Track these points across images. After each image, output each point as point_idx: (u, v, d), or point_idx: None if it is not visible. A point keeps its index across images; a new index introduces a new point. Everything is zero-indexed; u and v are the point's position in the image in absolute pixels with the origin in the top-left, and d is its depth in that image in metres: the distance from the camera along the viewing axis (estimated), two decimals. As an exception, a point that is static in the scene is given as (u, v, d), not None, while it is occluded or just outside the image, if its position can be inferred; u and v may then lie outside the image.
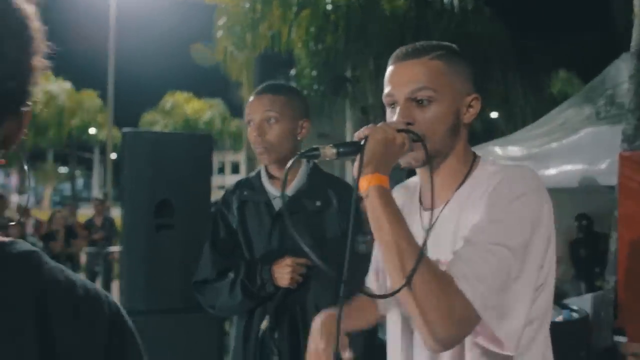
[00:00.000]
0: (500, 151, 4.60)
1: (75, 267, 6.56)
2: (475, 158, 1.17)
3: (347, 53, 8.71)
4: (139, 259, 2.79)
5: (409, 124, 1.09)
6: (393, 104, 1.15)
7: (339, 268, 0.97)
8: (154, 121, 29.00)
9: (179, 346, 2.67)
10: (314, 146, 1.05)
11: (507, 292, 0.97)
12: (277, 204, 1.76)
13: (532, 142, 4.34)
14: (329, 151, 1.04)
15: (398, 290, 0.96)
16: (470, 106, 1.15)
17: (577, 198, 4.94)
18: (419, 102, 1.11)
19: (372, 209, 1.01)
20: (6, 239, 0.63)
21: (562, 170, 3.82)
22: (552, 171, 3.95)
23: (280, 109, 1.71)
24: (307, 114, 1.82)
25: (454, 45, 1.18)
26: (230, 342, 1.80)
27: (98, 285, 5.12)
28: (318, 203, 1.77)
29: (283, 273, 1.65)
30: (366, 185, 1.02)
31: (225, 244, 1.78)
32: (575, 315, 2.55)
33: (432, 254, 1.06)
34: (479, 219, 1.03)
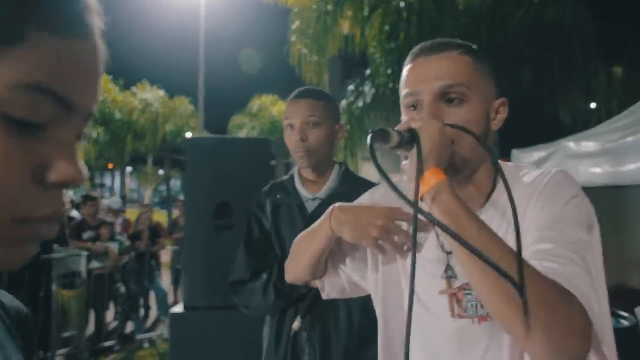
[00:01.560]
0: (575, 147, 4.36)
1: (158, 264, 6.99)
2: (494, 164, 1.03)
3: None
4: (199, 259, 2.97)
5: (462, 128, 0.96)
6: (414, 105, 1.00)
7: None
8: (242, 124, 29.95)
9: (236, 341, 2.81)
10: (383, 128, 0.90)
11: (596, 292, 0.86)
12: (310, 207, 1.81)
13: (608, 136, 4.08)
14: (394, 136, 0.90)
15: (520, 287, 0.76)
16: (497, 111, 1.03)
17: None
18: (449, 101, 0.97)
19: (450, 210, 0.86)
20: None
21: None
22: (630, 167, 3.70)
23: (321, 114, 1.76)
24: (340, 118, 1.88)
25: (474, 45, 1.05)
26: (263, 341, 1.88)
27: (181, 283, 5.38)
28: None
29: None
30: (432, 182, 0.87)
31: (259, 245, 1.84)
32: (624, 322, 2.39)
33: None
34: (538, 225, 0.92)
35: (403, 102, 1.03)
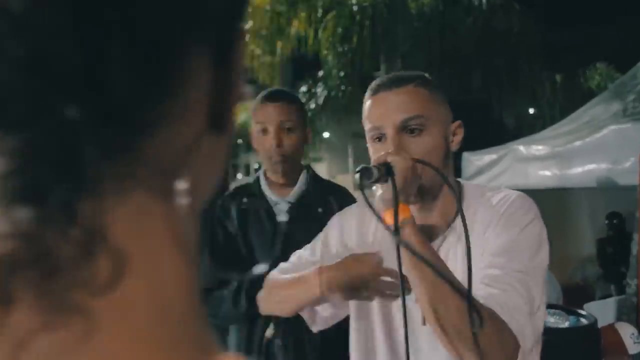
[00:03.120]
0: (525, 150, 4.50)
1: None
2: (460, 186, 1.13)
3: (374, 53, 8.69)
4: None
5: (431, 165, 1.03)
6: (379, 138, 1.06)
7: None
8: (190, 124, 29.56)
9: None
10: (367, 166, 0.96)
11: (533, 319, 0.94)
12: (278, 211, 1.76)
13: (556, 141, 4.23)
14: (374, 174, 0.96)
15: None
16: (455, 133, 1.11)
17: (607, 196, 4.80)
18: (411, 132, 1.03)
19: (412, 244, 0.93)
20: None
21: (586, 169, 3.71)
22: (576, 170, 3.85)
23: (295, 118, 1.71)
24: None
25: (426, 75, 1.12)
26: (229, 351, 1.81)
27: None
28: (320, 209, 1.77)
29: None
30: (401, 216, 0.94)
31: (224, 251, 1.78)
32: (583, 321, 2.47)
33: None
34: (491, 251, 0.99)
35: (368, 135, 1.09)
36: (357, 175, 0.94)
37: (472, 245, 0.93)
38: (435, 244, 1.07)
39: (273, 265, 1.67)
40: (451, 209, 1.09)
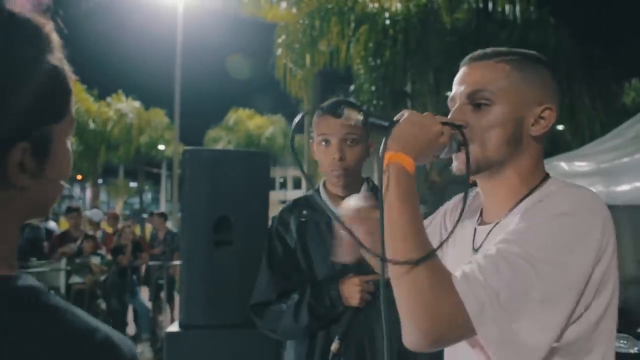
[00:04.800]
0: (567, 167, 4.40)
1: (139, 280, 6.78)
2: (545, 178, 1.07)
3: (406, 67, 8.65)
4: (198, 275, 2.85)
5: (459, 125, 1.02)
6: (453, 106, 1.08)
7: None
8: (218, 137, 29.81)
9: (236, 362, 2.70)
10: (340, 99, 1.02)
11: (522, 312, 0.86)
12: (339, 223, 1.73)
13: (601, 157, 4.12)
14: (354, 115, 1.01)
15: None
16: (541, 117, 1.04)
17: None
18: (476, 106, 1.03)
19: (386, 186, 0.94)
20: (12, 273, 0.63)
21: (634, 187, 3.60)
22: (624, 187, 3.73)
23: (359, 131, 1.68)
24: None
25: (536, 54, 1.08)
26: None
27: (162, 297, 5.22)
28: None
29: (352, 292, 1.61)
30: (386, 161, 0.96)
31: (283, 264, 1.75)
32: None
33: None
34: (510, 231, 0.94)
35: (448, 103, 1.11)
36: (361, 117, 1.01)
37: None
38: (491, 226, 1.06)
39: (331, 278, 1.64)
40: (519, 193, 1.05)
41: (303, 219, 1.76)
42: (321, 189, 1.80)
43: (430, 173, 8.17)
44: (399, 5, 8.54)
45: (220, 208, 2.85)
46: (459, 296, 0.87)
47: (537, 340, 0.87)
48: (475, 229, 1.10)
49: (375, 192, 1.79)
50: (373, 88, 9.07)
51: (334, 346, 1.62)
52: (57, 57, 0.67)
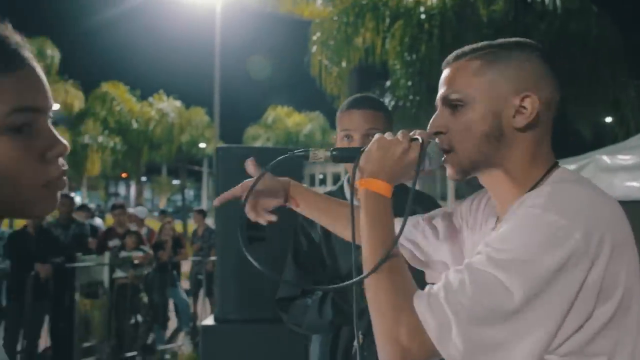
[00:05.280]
0: (609, 160, 4.26)
1: (179, 275, 6.97)
2: (551, 169, 1.00)
3: (442, 62, 8.54)
4: (231, 270, 2.92)
5: (439, 132, 1.02)
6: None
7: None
8: (257, 135, 30.11)
9: (268, 356, 2.76)
10: (305, 149, 1.09)
11: (495, 325, 0.82)
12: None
13: (645, 150, 3.99)
14: (321, 153, 1.08)
15: (353, 283, 0.97)
16: (522, 107, 0.97)
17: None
18: (452, 108, 1.01)
19: (359, 213, 1.00)
20: None
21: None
22: (667, 181, 3.61)
23: (381, 126, 1.69)
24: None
25: (519, 40, 1.02)
26: (311, 359, 1.80)
27: (202, 294, 5.36)
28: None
29: None
30: (357, 188, 1.02)
31: (308, 259, 1.78)
32: None
33: None
34: (487, 239, 0.90)
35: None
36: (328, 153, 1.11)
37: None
38: (492, 222, 1.07)
39: (356, 272, 1.67)
40: (517, 191, 0.99)
41: None
42: (344, 185, 1.82)
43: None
44: (434, -1, 8.46)
45: (253, 205, 2.91)
46: (416, 317, 0.85)
47: (520, 351, 0.82)
48: (495, 229, 1.08)
49: (398, 187, 1.81)
50: (409, 83, 9.01)
51: (360, 340, 1.64)
52: None
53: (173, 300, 6.65)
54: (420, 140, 1.00)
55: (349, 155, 1.06)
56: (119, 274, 5.66)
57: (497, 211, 1.08)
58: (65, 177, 0.69)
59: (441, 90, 1.04)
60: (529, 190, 0.98)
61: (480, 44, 1.03)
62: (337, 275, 1.72)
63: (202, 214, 7.95)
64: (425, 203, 1.76)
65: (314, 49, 9.45)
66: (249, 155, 3.10)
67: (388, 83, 9.47)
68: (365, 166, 1.01)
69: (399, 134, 1.02)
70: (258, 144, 27.20)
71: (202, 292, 6.92)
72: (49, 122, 0.68)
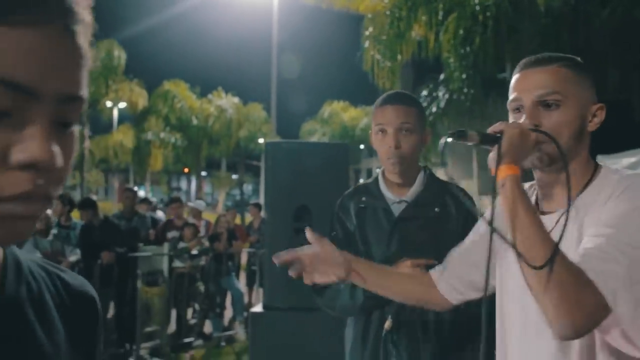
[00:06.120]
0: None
1: (235, 266, 7.20)
2: (597, 167, 1.20)
3: (498, 54, 8.38)
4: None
5: (535, 126, 1.14)
6: (518, 109, 1.21)
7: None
8: (313, 130, 30.33)
9: (314, 341, 2.86)
10: (462, 129, 1.13)
11: (634, 288, 0.98)
12: (396, 209, 1.83)
13: None
14: (473, 136, 1.13)
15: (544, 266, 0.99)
16: (595, 115, 1.19)
17: None
18: (547, 106, 1.16)
19: (509, 197, 1.07)
20: None
21: None
22: None
23: (414, 121, 1.77)
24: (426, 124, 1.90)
25: (577, 58, 1.22)
26: (346, 343, 1.89)
27: (256, 284, 5.57)
28: (437, 209, 1.82)
29: None
30: (503, 174, 1.08)
31: (343, 246, 1.86)
32: None
33: None
34: (603, 221, 1.06)
35: (509, 105, 1.23)
36: (445, 138, 1.11)
37: (586, 220, 1.10)
38: (557, 214, 1.17)
39: (387, 262, 1.74)
40: (580, 181, 1.17)
41: (362, 205, 1.86)
42: (379, 177, 1.89)
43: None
44: (489, -10, 8.28)
45: (300, 197, 3.02)
46: (596, 288, 0.98)
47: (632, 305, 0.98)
48: None
49: (432, 181, 1.87)
50: (464, 76, 8.88)
51: (387, 324, 1.72)
52: None
53: (228, 290, 6.89)
54: (548, 136, 1.12)
55: (492, 141, 1.12)
56: (177, 263, 5.94)
57: (549, 204, 1.21)
58: (29, 205, 0.45)
59: (534, 90, 1.17)
60: (587, 183, 1.17)
61: (554, 55, 1.21)
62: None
63: (258, 207, 8.15)
64: (454, 194, 1.81)
65: (367, 44, 9.47)
66: (297, 150, 3.25)
67: (442, 76, 9.37)
68: (507, 153, 1.09)
69: (518, 123, 1.14)
70: (314, 138, 27.39)
71: (257, 283, 7.13)
72: (49, 115, 0.45)
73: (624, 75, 7.91)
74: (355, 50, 10.20)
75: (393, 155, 1.76)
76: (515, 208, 1.05)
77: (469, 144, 1.13)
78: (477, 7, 8.31)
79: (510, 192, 1.06)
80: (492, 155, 1.12)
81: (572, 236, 1.10)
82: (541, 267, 0.98)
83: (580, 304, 0.98)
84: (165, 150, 23.91)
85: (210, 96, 24.44)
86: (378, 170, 1.95)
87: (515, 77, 1.23)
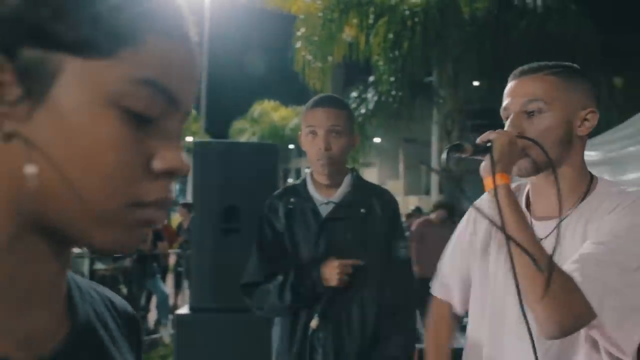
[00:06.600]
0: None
1: (160, 267, 7.01)
2: (592, 176, 1.23)
3: (425, 58, 8.66)
4: (207, 261, 2.99)
5: (520, 133, 1.18)
6: (507, 117, 1.23)
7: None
8: (243, 129, 30.06)
9: (242, 342, 2.84)
10: (458, 142, 1.15)
11: (624, 295, 1.04)
12: (324, 210, 1.85)
13: (609, 146, 4.12)
14: (468, 148, 1.15)
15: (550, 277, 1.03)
16: (585, 119, 1.21)
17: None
18: (530, 114, 1.19)
19: (501, 206, 1.10)
20: None
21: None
22: (630, 176, 3.73)
23: (344, 123, 1.80)
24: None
25: (574, 65, 1.25)
26: (273, 342, 1.90)
27: (185, 285, 5.41)
28: (363, 210, 1.85)
29: (332, 273, 1.72)
30: (495, 183, 1.11)
31: (272, 247, 1.87)
32: None
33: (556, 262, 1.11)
34: (606, 230, 1.10)
35: (502, 113, 1.27)
36: (446, 152, 1.13)
37: (589, 227, 1.14)
38: (553, 222, 1.19)
39: (315, 262, 1.76)
40: (579, 188, 1.21)
41: (290, 206, 1.87)
42: (308, 179, 1.90)
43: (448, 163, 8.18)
44: (418, -4, 8.54)
45: (229, 198, 2.98)
46: (583, 295, 1.03)
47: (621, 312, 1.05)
48: (531, 223, 1.23)
49: (359, 182, 1.91)
50: (392, 79, 9.10)
51: (314, 322, 1.74)
52: None
53: (153, 292, 6.70)
54: (533, 142, 1.16)
55: (485, 150, 1.15)
56: (99, 265, 5.70)
57: (542, 209, 1.24)
58: (163, 211, 0.46)
59: (520, 98, 1.21)
60: (588, 190, 1.20)
61: (549, 63, 1.24)
62: (298, 262, 1.82)
63: (188, 207, 7.97)
64: (380, 196, 1.86)
65: (298, 44, 9.50)
66: (225, 151, 3.20)
67: (371, 78, 9.55)
68: (499, 161, 1.12)
69: (506, 132, 1.17)
70: (244, 138, 27.19)
71: (184, 285, 6.97)
72: (181, 126, 0.47)
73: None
74: (287, 50, 10.21)
75: (323, 157, 1.78)
76: (507, 218, 1.09)
77: (463, 156, 1.15)
78: (407, 13, 8.55)
79: (501, 202, 1.10)
80: (484, 165, 1.15)
81: (574, 242, 1.15)
82: (533, 274, 1.03)
83: (569, 307, 1.04)
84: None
85: (136, 92, 23.61)
86: (307, 171, 1.96)
87: (507, 86, 1.26)
